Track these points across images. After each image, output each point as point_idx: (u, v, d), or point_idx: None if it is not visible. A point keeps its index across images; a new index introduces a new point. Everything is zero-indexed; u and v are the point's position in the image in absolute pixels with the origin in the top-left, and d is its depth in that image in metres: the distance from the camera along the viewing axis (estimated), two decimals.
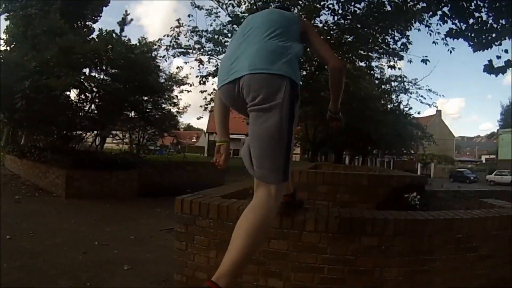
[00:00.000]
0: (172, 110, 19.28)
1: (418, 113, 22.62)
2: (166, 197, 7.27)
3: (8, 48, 14.70)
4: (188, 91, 17.26)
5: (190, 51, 13.37)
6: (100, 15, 20.69)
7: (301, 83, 2.09)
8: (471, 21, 5.70)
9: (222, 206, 2.63)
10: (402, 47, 10.14)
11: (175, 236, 2.86)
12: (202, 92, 14.40)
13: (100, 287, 3.44)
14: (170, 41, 13.18)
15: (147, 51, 14.74)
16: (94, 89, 11.41)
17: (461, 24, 5.82)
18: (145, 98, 13.91)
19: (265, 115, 1.82)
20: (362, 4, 9.11)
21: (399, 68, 12.88)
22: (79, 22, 18.73)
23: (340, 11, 9.34)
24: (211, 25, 13.08)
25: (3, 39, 14.99)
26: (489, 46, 5.62)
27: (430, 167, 46.85)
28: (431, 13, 6.48)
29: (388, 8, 8.75)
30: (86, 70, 11.94)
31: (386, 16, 8.76)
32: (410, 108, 20.44)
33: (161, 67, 16.82)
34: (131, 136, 16.06)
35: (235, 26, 11.68)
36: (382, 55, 11.64)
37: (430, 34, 8.38)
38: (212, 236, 2.67)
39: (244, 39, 2.02)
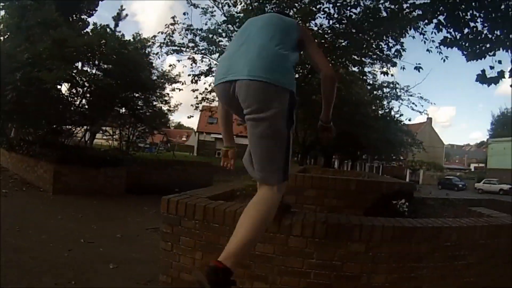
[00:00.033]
0: (163, 108, 19.28)
1: (409, 120, 22.80)
2: (154, 196, 7.34)
3: (2, 38, 14.53)
4: (180, 90, 17.19)
5: (184, 49, 13.27)
6: (96, 9, 20.54)
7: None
8: (466, 30, 5.71)
9: (208, 208, 2.60)
10: (396, 53, 10.14)
11: (161, 236, 2.83)
12: (193, 91, 14.25)
13: (85, 286, 3.40)
14: (164, 39, 13.07)
15: (141, 48, 14.65)
16: (86, 83, 11.29)
17: (456, 33, 5.82)
18: (137, 94, 13.81)
19: (264, 123, 1.91)
20: (358, 9, 9.12)
21: (392, 75, 12.90)
22: (74, 15, 18.56)
23: (335, 15, 9.32)
24: (206, 24, 13.01)
25: None
26: (483, 56, 5.64)
27: (419, 174, 47.27)
28: (426, 21, 6.48)
29: (384, 14, 8.76)
30: (79, 64, 11.83)
31: (381, 22, 8.76)
32: (401, 115, 20.50)
33: (154, 64, 16.79)
34: (121, 132, 15.94)
35: (230, 26, 11.65)
36: (375, 61, 11.61)
37: (425, 42, 8.41)
38: (197, 237, 2.64)
39: (244, 42, 2.06)
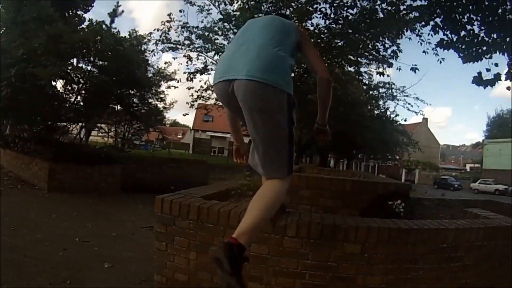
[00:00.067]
0: (158, 105, 19.25)
1: (405, 120, 22.85)
2: (149, 194, 7.32)
3: None
4: (175, 87, 17.14)
5: (179, 46, 13.23)
6: (92, 5, 20.34)
7: None
8: (462, 33, 5.72)
9: (202, 208, 2.58)
10: (392, 54, 10.20)
11: (155, 236, 2.81)
12: (189, 88, 14.22)
13: (80, 286, 3.38)
14: (160, 36, 13.02)
15: (136, 45, 14.58)
16: (81, 80, 11.22)
17: (453, 35, 5.83)
18: (132, 92, 13.76)
19: (265, 122, 1.99)
20: (355, 9, 9.13)
21: (388, 75, 12.91)
22: (70, 11, 18.40)
23: (332, 16, 9.33)
24: (202, 22, 13.06)
25: None
26: (479, 58, 5.65)
27: (414, 173, 47.44)
28: (423, 23, 6.48)
29: (381, 15, 8.78)
30: (74, 61, 11.76)
31: (378, 23, 8.77)
32: (397, 115, 20.58)
33: (149, 62, 16.74)
34: (117, 130, 15.91)
35: (226, 24, 11.63)
36: (371, 61, 11.65)
37: (421, 44, 8.40)
38: (192, 237, 2.62)
39: (244, 42, 2.10)
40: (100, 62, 11.77)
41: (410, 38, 9.08)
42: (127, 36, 14.85)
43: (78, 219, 6.19)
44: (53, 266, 3.77)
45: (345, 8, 9.16)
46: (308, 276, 2.44)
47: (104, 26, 12.69)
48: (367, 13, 8.89)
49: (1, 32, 14.14)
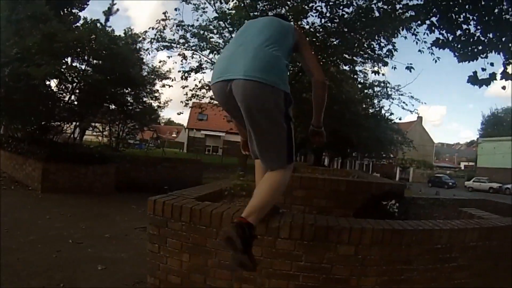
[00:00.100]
0: (153, 104, 19.20)
1: (400, 118, 22.91)
2: (143, 193, 7.33)
3: None
4: (170, 86, 17.04)
5: (174, 45, 13.17)
6: (87, 3, 20.23)
7: None
8: (458, 32, 5.72)
9: (195, 210, 2.56)
10: (387, 53, 10.19)
11: (148, 238, 2.78)
12: (183, 87, 14.14)
13: None
14: (155, 34, 12.95)
15: (131, 43, 14.51)
16: (75, 79, 11.15)
17: (448, 34, 5.83)
18: (127, 91, 13.69)
19: (263, 120, 2.05)
20: (351, 8, 9.12)
21: (383, 74, 12.95)
22: (65, 9, 18.29)
23: (327, 14, 9.31)
24: (197, 20, 12.95)
25: None
26: (474, 58, 5.65)
27: (409, 172, 47.70)
28: (419, 22, 6.48)
29: (377, 14, 8.77)
30: (68, 60, 11.70)
31: (373, 22, 8.77)
32: (392, 114, 20.64)
33: (144, 60, 16.67)
34: (111, 129, 15.83)
35: (221, 22, 11.59)
36: (366, 60, 11.65)
37: (417, 43, 8.46)
38: (184, 239, 2.60)
39: (242, 42, 2.17)
40: (95, 61, 11.72)
41: (405, 37, 9.15)
42: (122, 35, 14.81)
43: (71, 220, 6.14)
44: (46, 269, 3.74)
45: (341, 7, 9.16)
46: (302, 278, 2.42)
47: (98, 24, 12.61)
48: (363, 12, 8.89)
49: None
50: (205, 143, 46.05)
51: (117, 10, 18.94)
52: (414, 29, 8.36)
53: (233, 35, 11.28)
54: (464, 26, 5.67)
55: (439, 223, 2.75)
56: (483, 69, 5.60)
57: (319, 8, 9.28)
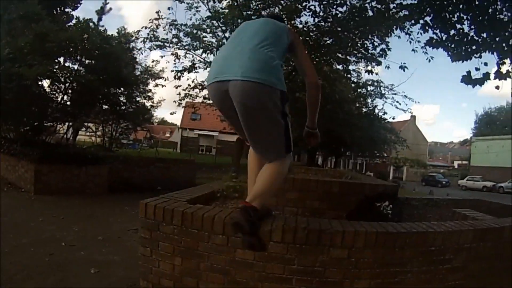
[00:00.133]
0: (146, 103, 19.14)
1: (393, 118, 22.98)
2: (136, 194, 7.43)
3: None
4: (163, 86, 16.93)
5: (167, 44, 13.07)
6: (80, 2, 20.08)
7: None
8: (452, 32, 5.73)
9: (186, 213, 2.53)
10: (381, 53, 10.16)
11: (140, 241, 2.75)
12: (176, 87, 14.03)
13: None
14: (148, 34, 12.85)
15: (125, 42, 14.42)
16: (68, 79, 11.06)
17: (442, 34, 5.84)
18: (120, 90, 13.60)
19: (260, 117, 2.13)
20: (344, 7, 9.08)
21: (377, 73, 12.94)
22: (58, 9, 18.14)
23: (321, 13, 9.27)
24: (190, 19, 12.84)
25: None
26: (468, 57, 5.66)
27: (402, 171, 47.85)
28: (413, 21, 6.48)
29: (370, 13, 8.75)
30: (61, 59, 11.60)
31: (367, 21, 8.74)
32: (385, 113, 20.70)
33: (137, 60, 16.60)
34: (104, 129, 15.74)
35: (214, 22, 11.51)
36: (360, 59, 11.60)
37: (410, 42, 8.45)
38: (176, 243, 2.57)
39: (238, 44, 2.23)
40: (87, 61, 11.63)
41: (399, 37, 9.12)
42: (116, 34, 14.74)
43: (64, 222, 6.10)
44: (39, 272, 3.74)
45: (335, 6, 9.12)
46: (295, 281, 2.40)
47: (91, 24, 12.52)
48: (356, 11, 8.86)
49: None
50: (199, 143, 45.98)
51: (110, 9, 18.79)
52: (408, 29, 8.35)
53: (226, 34, 11.25)
54: (458, 26, 5.68)
55: (433, 225, 2.73)
56: (477, 69, 5.61)
57: (312, 7, 9.22)
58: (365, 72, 11.99)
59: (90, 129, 16.08)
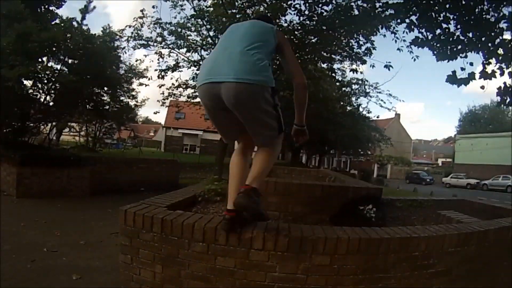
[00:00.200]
0: (130, 103, 18.93)
1: (377, 117, 23.18)
2: (119, 196, 7.50)
3: None
4: (147, 85, 16.79)
5: (151, 43, 12.95)
6: (65, 0, 19.69)
7: None
8: (438, 31, 5.75)
9: (166, 220, 2.49)
10: (366, 51, 10.20)
11: (120, 249, 2.70)
12: (160, 86, 13.89)
13: None
14: (132, 32, 12.70)
15: (109, 41, 14.21)
16: (50, 79, 10.85)
17: (428, 33, 5.87)
18: (103, 90, 13.40)
19: (256, 115, 2.30)
20: (330, 6, 9.06)
21: (361, 72, 12.95)
22: (42, 7, 17.77)
23: (306, 12, 9.23)
24: (175, 18, 12.76)
25: None
26: (454, 57, 5.69)
27: (386, 168, 48.23)
28: (398, 20, 6.50)
29: (356, 12, 8.74)
30: (45, 59, 11.37)
31: (352, 20, 8.72)
32: (369, 112, 20.87)
33: (122, 59, 16.39)
34: (87, 128, 15.52)
35: (199, 20, 11.43)
36: (345, 58, 11.63)
37: (396, 41, 8.46)
38: (156, 250, 2.53)
39: (228, 46, 2.35)
40: (70, 61, 11.42)
41: (384, 35, 9.11)
42: (100, 33, 14.47)
43: (46, 226, 5.97)
44: (20, 280, 3.65)
45: (320, 5, 9.09)
46: None
47: (74, 23, 12.28)
48: (342, 10, 8.85)
49: None
50: (183, 142, 45.83)
51: (94, 7, 18.42)
52: (394, 28, 8.36)
53: (210, 33, 11.20)
54: (444, 25, 5.71)
55: (417, 229, 2.72)
56: (463, 69, 5.65)
57: (297, 6, 9.20)
58: (350, 71, 12.03)
59: (73, 129, 15.84)
